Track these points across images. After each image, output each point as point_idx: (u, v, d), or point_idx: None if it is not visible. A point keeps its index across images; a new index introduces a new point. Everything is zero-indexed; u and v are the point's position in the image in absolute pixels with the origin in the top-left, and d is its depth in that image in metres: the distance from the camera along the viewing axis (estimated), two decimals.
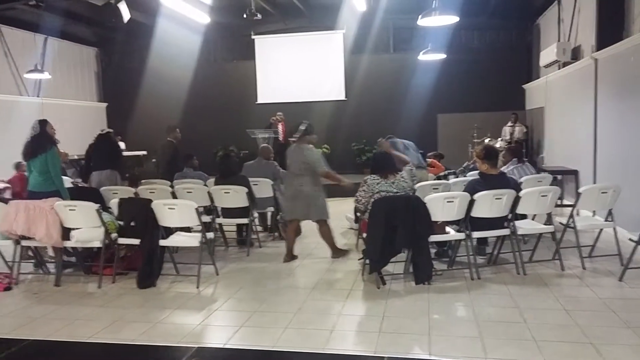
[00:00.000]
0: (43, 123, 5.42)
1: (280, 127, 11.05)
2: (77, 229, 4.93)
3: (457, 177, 7.07)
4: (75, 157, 10.23)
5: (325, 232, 5.65)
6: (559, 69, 9.36)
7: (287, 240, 5.74)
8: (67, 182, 6.58)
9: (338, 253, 5.71)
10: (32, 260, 5.47)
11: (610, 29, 7.13)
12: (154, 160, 7.99)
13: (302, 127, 5.58)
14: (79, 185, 6.95)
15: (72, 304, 4.40)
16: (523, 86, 12.13)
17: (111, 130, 7.46)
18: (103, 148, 6.76)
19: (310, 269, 5.38)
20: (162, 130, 7.99)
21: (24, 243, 5.03)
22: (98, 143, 6.85)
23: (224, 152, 11.46)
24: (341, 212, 7.16)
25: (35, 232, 4.81)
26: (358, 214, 5.49)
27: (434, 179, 6.77)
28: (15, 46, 11.00)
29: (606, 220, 5.15)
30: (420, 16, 6.78)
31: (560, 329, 3.56)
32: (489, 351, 3.24)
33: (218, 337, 3.69)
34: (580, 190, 5.10)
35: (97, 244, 4.93)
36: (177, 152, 7.66)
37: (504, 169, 6.53)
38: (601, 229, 5.34)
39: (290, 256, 5.66)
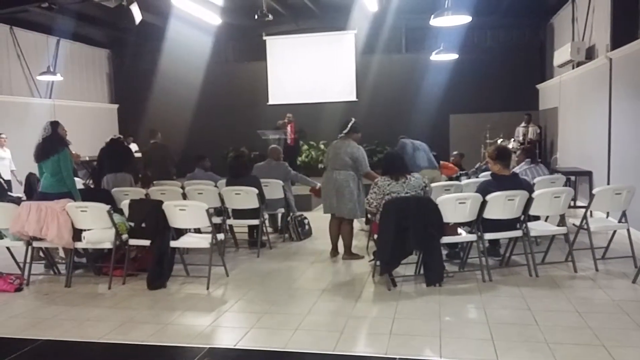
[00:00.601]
0: (54, 124, 5.47)
1: (289, 128, 11.05)
2: (88, 230, 4.96)
3: (469, 178, 7.02)
4: (87, 158, 10.33)
5: (347, 231, 5.68)
6: (573, 68, 9.25)
7: (331, 236, 5.80)
8: (79, 183, 6.64)
9: (351, 255, 5.70)
10: (43, 261, 5.51)
11: (624, 28, 7.04)
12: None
13: (350, 124, 5.66)
14: (90, 186, 7.00)
15: (83, 305, 4.43)
16: (537, 86, 12.00)
17: (121, 136, 7.61)
18: (115, 151, 6.85)
19: (321, 270, 5.36)
20: (174, 131, 8.08)
21: (35, 244, 5.07)
22: (110, 146, 6.94)
23: (234, 153, 11.50)
24: None
25: (46, 233, 4.84)
26: (369, 216, 5.46)
27: (446, 180, 6.71)
28: (28, 48, 11.15)
29: (620, 222, 5.07)
30: (432, 16, 6.74)
31: (573, 331, 3.51)
32: (500, 354, 3.20)
33: (228, 339, 3.68)
34: (594, 191, 5.02)
35: (107, 245, 4.95)
36: (167, 151, 7.81)
37: (516, 169, 6.48)
38: (615, 231, 5.26)
39: (335, 251, 5.77)
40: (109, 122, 13.84)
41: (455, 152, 9.09)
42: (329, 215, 5.75)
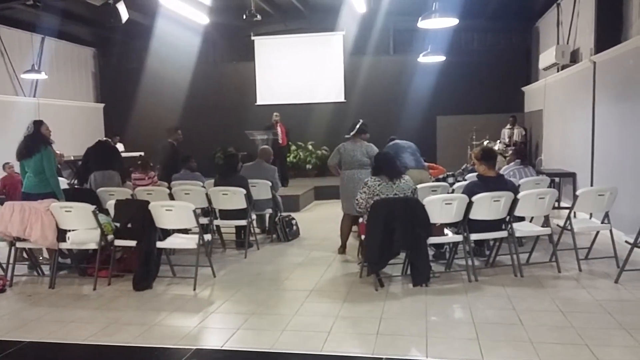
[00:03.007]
0: (38, 123, 5.40)
1: (279, 128, 11.03)
2: (72, 230, 4.91)
3: (455, 179, 7.06)
4: (72, 158, 10.20)
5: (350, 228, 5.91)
6: (558, 71, 9.37)
7: (342, 234, 5.94)
8: (63, 183, 6.56)
9: (341, 250, 5.92)
10: (27, 262, 5.44)
11: (608, 32, 7.16)
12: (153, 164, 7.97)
13: (358, 126, 5.86)
14: (75, 186, 6.93)
15: (67, 306, 4.38)
16: (522, 89, 12.14)
17: (109, 139, 7.52)
18: (103, 150, 6.82)
19: (308, 271, 5.36)
20: (161, 131, 7.97)
21: (19, 245, 5.00)
22: (97, 146, 6.92)
23: (223, 153, 11.44)
24: (341, 213, 7.13)
25: (30, 233, 4.78)
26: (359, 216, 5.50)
27: (434, 181, 6.75)
28: (12, 46, 10.98)
29: (603, 223, 5.15)
30: (420, 18, 6.78)
31: (557, 330, 3.56)
32: (485, 353, 3.23)
33: (215, 340, 3.67)
34: (578, 192, 5.09)
35: (92, 245, 4.90)
36: (177, 154, 7.65)
37: (504, 168, 6.54)
38: (598, 231, 5.34)
39: (344, 249, 5.95)
40: (94, 121, 13.69)
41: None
42: (317, 216, 5.78)
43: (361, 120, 5.95)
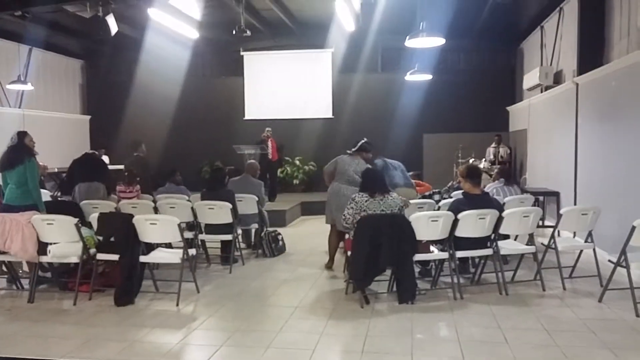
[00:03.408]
0: (22, 135, 5.33)
1: (270, 143, 11.02)
2: (54, 243, 4.82)
3: (442, 196, 7.10)
4: (56, 170, 10.07)
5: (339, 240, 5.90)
6: (542, 92, 9.54)
7: (330, 247, 5.93)
8: (46, 195, 6.46)
9: (329, 265, 5.92)
10: (6, 276, 5.32)
11: (590, 54, 7.32)
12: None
13: (360, 143, 5.95)
14: (59, 198, 6.83)
15: (46, 322, 4.28)
16: (507, 108, 12.33)
17: (95, 152, 7.48)
18: (89, 161, 6.77)
19: (294, 287, 5.32)
20: (148, 144, 7.92)
21: None
22: (84, 158, 6.88)
23: (210, 167, 11.37)
24: (327, 229, 7.12)
25: (10, 246, 4.69)
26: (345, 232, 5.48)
27: (420, 198, 6.78)
28: None
29: (586, 242, 5.21)
30: (407, 37, 6.88)
31: (541, 349, 3.57)
32: None
33: (198, 357, 3.61)
34: (562, 211, 5.15)
35: (74, 259, 4.81)
36: (147, 166, 7.64)
37: (488, 186, 6.60)
38: (581, 250, 5.40)
39: (332, 262, 5.95)
40: (80, 133, 13.55)
41: (411, 173, 8.89)
42: (303, 231, 5.76)
43: (365, 139, 6.02)
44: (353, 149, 5.94)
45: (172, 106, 13.27)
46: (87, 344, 3.75)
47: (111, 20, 7.82)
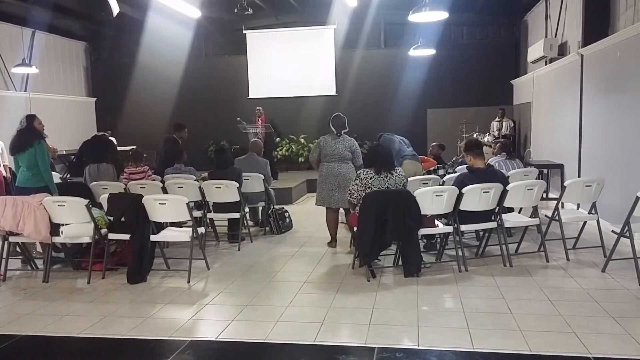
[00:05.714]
0: (30, 118, 5.40)
1: (259, 122, 10.98)
2: (66, 224, 4.92)
3: (446, 171, 7.15)
4: (64, 152, 10.16)
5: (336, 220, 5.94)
6: (546, 64, 9.45)
7: (329, 228, 5.96)
8: (56, 177, 6.55)
9: (332, 245, 5.95)
10: (20, 257, 5.44)
11: (596, 25, 7.22)
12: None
13: (345, 123, 5.95)
14: (68, 180, 6.93)
15: (61, 300, 4.40)
16: (511, 82, 12.23)
17: (105, 133, 7.51)
18: (98, 143, 6.83)
19: (301, 262, 5.42)
20: (152, 124, 7.95)
21: (12, 239, 5.00)
22: (93, 139, 6.93)
23: (216, 147, 11.38)
24: None
25: (23, 228, 4.79)
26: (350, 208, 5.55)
27: (424, 173, 6.83)
28: (2, 40, 10.88)
29: (590, 213, 5.25)
30: (410, 12, 6.83)
31: (545, 319, 3.64)
32: (476, 341, 3.30)
33: (209, 331, 3.70)
34: (565, 183, 5.18)
35: (86, 239, 4.92)
36: (174, 149, 7.62)
37: (491, 160, 6.63)
38: (585, 222, 5.44)
39: (334, 242, 5.97)
40: (86, 115, 13.61)
41: (434, 144, 8.79)
42: (309, 208, 5.83)
43: (339, 114, 5.96)
44: (344, 131, 5.86)
45: (175, 86, 13.28)
46: (102, 321, 3.87)
47: (112, 1, 7.78)
